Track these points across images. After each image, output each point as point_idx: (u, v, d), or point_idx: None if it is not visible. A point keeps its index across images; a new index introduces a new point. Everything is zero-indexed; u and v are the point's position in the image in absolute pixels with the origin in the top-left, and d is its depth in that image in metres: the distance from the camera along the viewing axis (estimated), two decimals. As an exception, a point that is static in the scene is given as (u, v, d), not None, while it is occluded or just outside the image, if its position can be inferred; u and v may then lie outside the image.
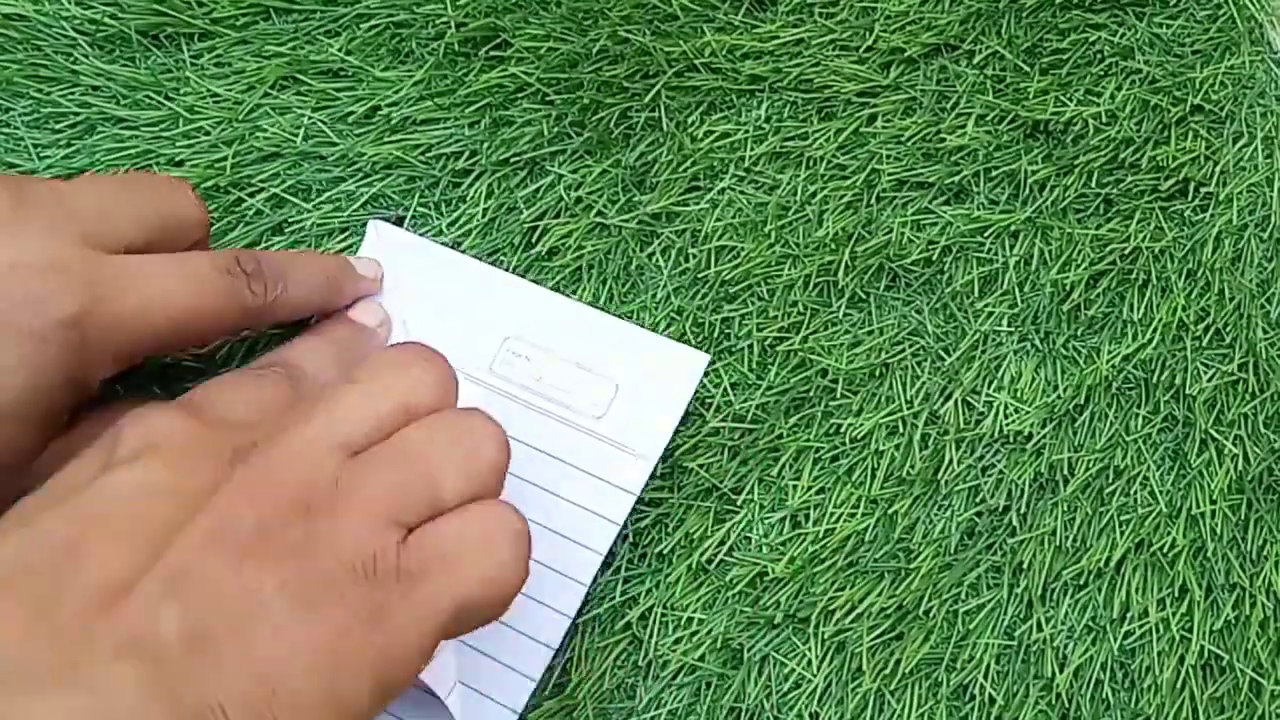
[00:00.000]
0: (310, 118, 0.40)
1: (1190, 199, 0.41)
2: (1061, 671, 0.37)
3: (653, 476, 0.37)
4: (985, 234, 0.40)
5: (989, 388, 0.39)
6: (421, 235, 0.39)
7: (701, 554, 0.37)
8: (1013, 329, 0.40)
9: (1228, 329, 0.40)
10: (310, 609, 0.26)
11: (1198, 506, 0.38)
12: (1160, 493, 0.39)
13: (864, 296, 0.40)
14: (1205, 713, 0.37)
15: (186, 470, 0.27)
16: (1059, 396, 0.39)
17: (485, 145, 0.40)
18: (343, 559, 0.26)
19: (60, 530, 0.26)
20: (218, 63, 0.41)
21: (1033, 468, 0.38)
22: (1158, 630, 0.38)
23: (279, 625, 0.25)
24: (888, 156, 0.41)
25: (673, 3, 0.41)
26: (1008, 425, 0.39)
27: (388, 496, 0.27)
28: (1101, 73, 0.42)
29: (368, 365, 0.30)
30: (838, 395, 0.39)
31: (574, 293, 0.39)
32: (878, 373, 0.39)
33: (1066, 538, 0.38)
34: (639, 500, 0.37)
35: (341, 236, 0.40)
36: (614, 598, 0.37)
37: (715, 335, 0.39)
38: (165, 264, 0.32)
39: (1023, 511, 0.38)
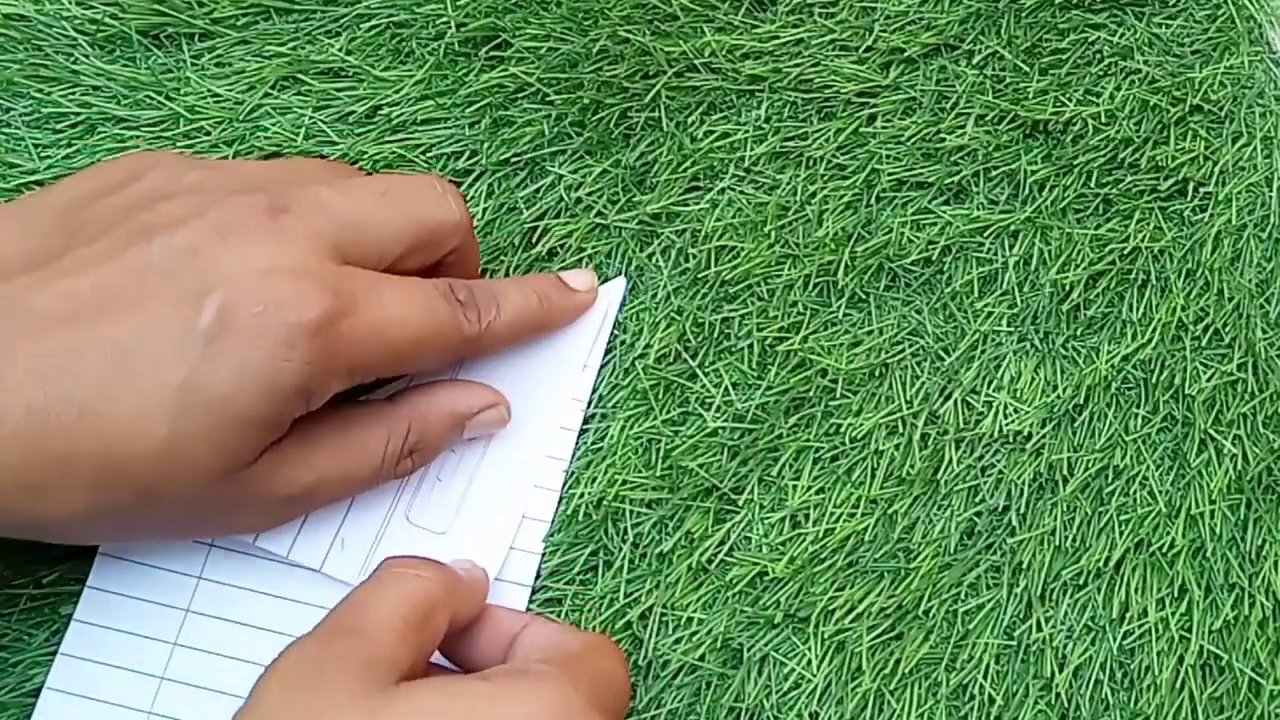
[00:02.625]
0: (311, 117, 0.40)
1: (1189, 199, 0.41)
2: (1061, 671, 0.37)
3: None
4: (985, 234, 0.40)
5: (988, 388, 0.39)
6: None
7: (701, 554, 0.37)
8: (1012, 329, 0.40)
9: (1227, 329, 0.40)
10: None
11: (1197, 506, 0.38)
12: (1159, 492, 0.39)
13: (864, 296, 0.40)
14: (1205, 712, 0.37)
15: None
16: (1058, 396, 0.39)
17: (485, 145, 0.40)
18: None
19: None
20: (218, 63, 0.41)
21: (1032, 468, 0.39)
22: (1157, 630, 0.38)
23: None
24: (887, 156, 0.41)
25: (673, 3, 0.41)
26: (1007, 425, 0.39)
27: None
28: (1101, 73, 0.42)
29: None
30: (837, 395, 0.39)
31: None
32: (877, 373, 0.39)
33: (1066, 537, 0.38)
34: (642, 504, 0.37)
35: (342, 236, 0.40)
36: (614, 598, 0.37)
37: (715, 335, 0.39)
38: (399, 287, 0.32)
39: (1022, 511, 0.38)
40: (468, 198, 0.40)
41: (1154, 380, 0.40)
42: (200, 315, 0.29)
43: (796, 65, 0.41)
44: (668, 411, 0.38)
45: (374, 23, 0.41)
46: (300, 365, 0.30)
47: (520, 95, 0.41)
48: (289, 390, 0.30)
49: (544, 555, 0.38)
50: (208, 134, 0.40)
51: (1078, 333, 0.40)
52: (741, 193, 0.40)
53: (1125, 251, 0.40)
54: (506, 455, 0.37)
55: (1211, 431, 0.39)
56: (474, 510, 0.37)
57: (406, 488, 0.37)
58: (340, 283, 0.31)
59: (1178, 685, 0.37)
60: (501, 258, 0.40)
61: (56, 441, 0.29)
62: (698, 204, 0.40)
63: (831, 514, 0.38)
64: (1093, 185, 0.41)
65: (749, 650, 0.37)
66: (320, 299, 0.30)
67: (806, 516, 0.38)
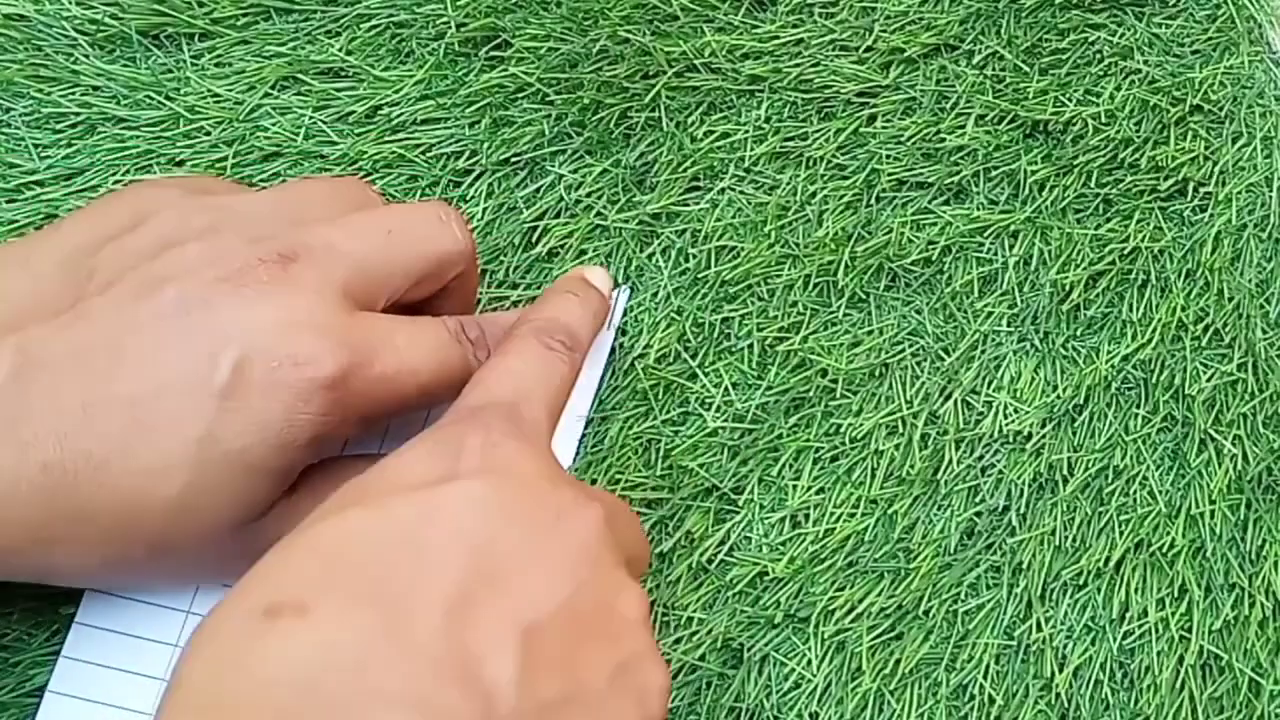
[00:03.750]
0: (311, 117, 0.40)
1: (1189, 199, 0.41)
2: (1061, 671, 0.37)
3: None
4: (985, 234, 0.40)
5: (988, 388, 0.39)
6: None
7: (701, 554, 0.37)
8: (1012, 329, 0.40)
9: (1227, 329, 0.40)
10: None
11: (1197, 506, 0.38)
12: (1159, 492, 0.39)
13: (864, 296, 0.40)
14: (1205, 712, 0.37)
15: (524, 506, 0.28)
16: (1058, 396, 0.39)
17: (485, 145, 0.40)
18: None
19: (404, 522, 0.26)
20: (218, 63, 0.41)
21: (1032, 468, 0.39)
22: (1157, 630, 0.38)
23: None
24: (887, 156, 0.41)
25: (673, 3, 0.41)
26: (1007, 425, 0.39)
27: None
28: (1101, 73, 0.42)
29: None
30: (838, 395, 0.39)
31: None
32: (877, 373, 0.39)
33: (1066, 537, 0.38)
34: (642, 504, 0.37)
35: (342, 236, 0.40)
36: (614, 597, 0.37)
37: (715, 335, 0.39)
38: (411, 332, 0.32)
39: (1022, 511, 0.38)
40: (468, 198, 0.40)
41: (1154, 380, 0.40)
42: (216, 370, 0.29)
43: (796, 65, 0.41)
44: (668, 411, 0.38)
45: (374, 23, 0.41)
46: (315, 418, 0.30)
47: (520, 95, 0.41)
48: (303, 442, 0.30)
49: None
50: (208, 134, 0.40)
51: (1078, 333, 0.40)
52: (741, 193, 0.40)
53: (1125, 251, 0.40)
54: None
55: (1211, 431, 0.39)
56: None
57: None
58: (354, 334, 0.31)
59: (1178, 685, 0.37)
60: (501, 258, 0.40)
61: (72, 497, 0.29)
62: (698, 204, 0.40)
63: (831, 514, 0.38)
64: (1093, 185, 0.41)
65: (749, 650, 0.37)
66: (336, 353, 0.30)
67: (806, 516, 0.38)
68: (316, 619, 0.24)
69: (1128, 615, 0.38)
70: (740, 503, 0.38)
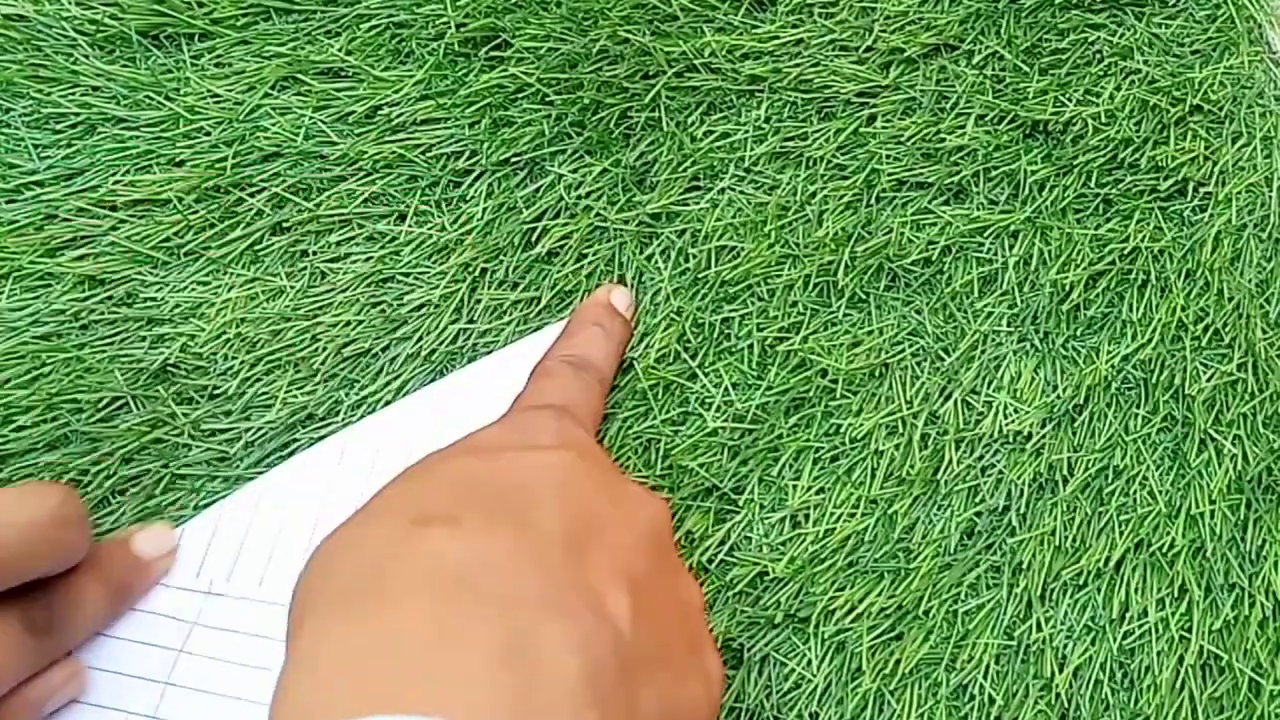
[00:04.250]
0: (311, 117, 0.40)
1: (1189, 199, 0.41)
2: (1061, 671, 0.37)
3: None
4: (985, 234, 0.40)
5: (988, 388, 0.39)
6: (421, 232, 0.40)
7: (702, 554, 0.37)
8: (1012, 329, 0.40)
9: (1227, 329, 0.40)
10: None
11: (1197, 506, 0.38)
12: (1159, 492, 0.39)
13: (864, 296, 0.40)
14: (1204, 712, 0.37)
15: (606, 480, 0.32)
16: (1058, 396, 0.39)
17: (485, 145, 0.40)
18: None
19: (514, 472, 0.30)
20: (218, 63, 0.41)
21: (1032, 468, 0.38)
22: (1157, 630, 0.38)
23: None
24: (887, 156, 0.41)
25: (673, 3, 0.41)
26: (1007, 425, 0.39)
27: None
28: (1101, 73, 0.42)
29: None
30: (837, 395, 0.39)
31: (574, 293, 0.39)
32: (877, 373, 0.39)
33: (1066, 537, 0.38)
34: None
35: (342, 232, 0.40)
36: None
37: (715, 335, 0.39)
38: None
39: (1022, 511, 0.38)
40: (467, 198, 0.40)
41: (1154, 380, 0.40)
42: None
43: (796, 65, 0.41)
44: (668, 411, 0.38)
45: (374, 23, 0.41)
46: None
47: (520, 95, 0.41)
48: None
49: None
50: (208, 134, 0.40)
51: (1078, 333, 0.40)
52: (741, 193, 0.40)
53: (1125, 251, 0.40)
54: None
55: (1211, 431, 0.39)
56: None
57: None
58: None
59: (1178, 685, 0.37)
60: (501, 258, 0.40)
61: None
62: (698, 204, 0.40)
63: (831, 514, 0.38)
64: (1093, 185, 0.41)
65: (749, 650, 0.37)
66: None
67: (806, 516, 0.38)
68: (467, 529, 0.28)
69: (1128, 615, 0.38)
70: (740, 503, 0.38)
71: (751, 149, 0.40)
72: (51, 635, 0.34)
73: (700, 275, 0.39)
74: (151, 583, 0.37)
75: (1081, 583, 0.38)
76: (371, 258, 0.40)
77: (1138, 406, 0.39)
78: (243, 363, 0.39)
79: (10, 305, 0.39)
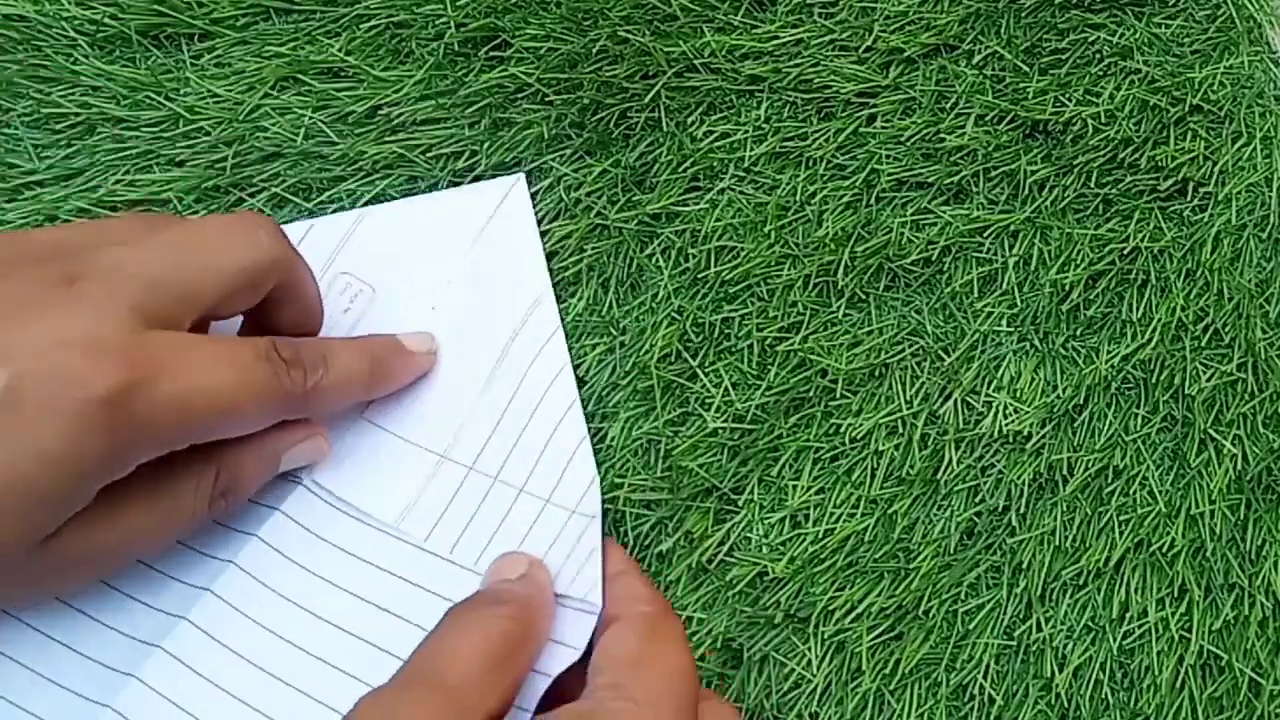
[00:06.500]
0: (311, 118, 0.40)
1: (1189, 199, 0.41)
2: (1061, 671, 0.37)
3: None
4: (985, 234, 0.40)
5: (988, 388, 0.39)
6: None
7: (701, 554, 0.37)
8: (1012, 329, 0.40)
9: (1227, 329, 0.40)
10: None
11: (1197, 506, 0.38)
12: (1159, 492, 0.39)
13: (863, 296, 0.40)
14: (1204, 712, 0.37)
15: None
16: (1058, 396, 0.39)
17: (485, 145, 0.40)
18: None
19: None
20: (218, 63, 0.41)
21: (1032, 468, 0.38)
22: (1157, 630, 0.38)
23: None
24: (887, 156, 0.41)
25: (673, 3, 0.41)
26: (1007, 425, 0.39)
27: None
28: (1101, 73, 0.42)
29: None
30: (837, 395, 0.39)
31: (574, 294, 0.39)
32: (877, 373, 0.39)
33: (1066, 537, 0.38)
34: (642, 504, 0.37)
35: (342, 237, 0.40)
36: (614, 597, 0.37)
37: (715, 335, 0.39)
38: (210, 351, 0.31)
39: (1022, 511, 0.38)
40: (468, 198, 0.40)
41: (1154, 380, 0.40)
42: None
43: (796, 65, 0.41)
44: (668, 412, 0.38)
45: (374, 23, 0.41)
46: (97, 442, 0.28)
47: (520, 95, 0.41)
48: (88, 468, 0.28)
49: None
50: (207, 134, 0.40)
51: (1078, 333, 0.40)
52: (741, 193, 0.40)
53: (1125, 251, 0.40)
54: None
55: (1211, 431, 0.39)
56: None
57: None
58: (138, 351, 0.29)
59: (1178, 685, 0.37)
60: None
61: None
62: (698, 204, 0.40)
63: (831, 514, 0.38)
64: (1093, 185, 0.41)
65: (749, 650, 0.37)
66: (112, 371, 0.28)
67: (806, 516, 0.38)
68: None
69: (1128, 615, 0.38)
70: (740, 503, 0.38)
71: (751, 149, 0.40)
72: (298, 369, 0.33)
73: (700, 275, 0.39)
74: (414, 372, 0.37)
75: (1081, 583, 0.38)
76: (371, 258, 0.40)
77: (1138, 406, 0.39)
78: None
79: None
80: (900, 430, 0.39)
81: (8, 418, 0.27)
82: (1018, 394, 0.39)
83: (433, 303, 0.38)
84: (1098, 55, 0.42)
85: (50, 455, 0.28)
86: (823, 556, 0.37)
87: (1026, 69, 0.41)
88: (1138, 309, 0.40)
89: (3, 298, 0.29)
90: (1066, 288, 0.40)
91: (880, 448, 0.38)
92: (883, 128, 0.41)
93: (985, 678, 0.37)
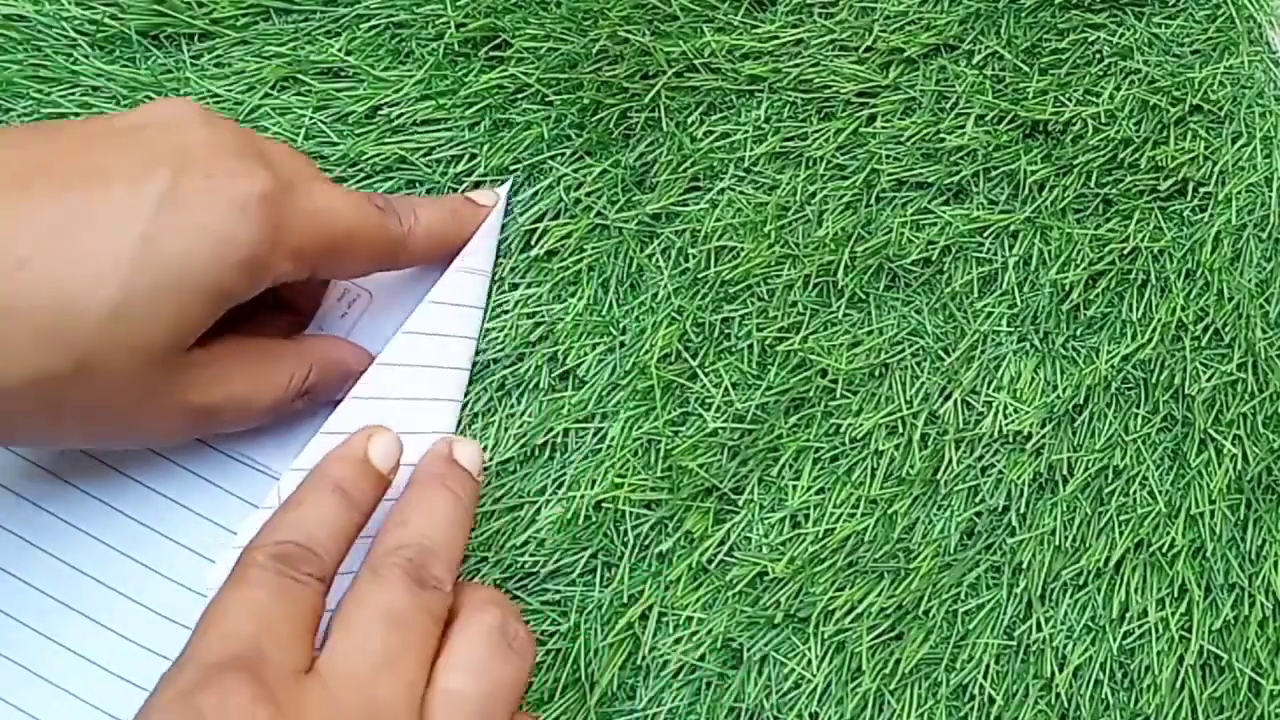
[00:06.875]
0: (311, 118, 0.40)
1: (1189, 199, 0.41)
2: (1061, 671, 0.37)
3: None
4: (985, 234, 0.40)
5: (988, 388, 0.39)
6: None
7: (701, 554, 0.37)
8: (1012, 329, 0.40)
9: (1227, 329, 0.40)
10: None
11: (1197, 506, 0.38)
12: (1159, 492, 0.39)
13: (864, 296, 0.40)
14: (1204, 712, 0.37)
15: None
16: (1058, 396, 0.39)
17: (485, 146, 0.40)
18: None
19: None
20: (218, 63, 0.41)
21: (1032, 468, 0.39)
22: (1157, 630, 0.38)
23: None
24: (887, 156, 0.41)
25: (673, 3, 0.41)
26: (1007, 425, 0.39)
27: None
28: (1100, 73, 0.42)
29: None
30: (837, 395, 0.39)
31: (574, 294, 0.39)
32: (877, 373, 0.39)
33: (1066, 537, 0.38)
34: (642, 504, 0.37)
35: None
36: (615, 598, 0.37)
37: (715, 335, 0.39)
38: (329, 184, 0.34)
39: (1022, 511, 0.38)
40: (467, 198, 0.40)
41: (1154, 380, 0.40)
42: (154, 179, 0.30)
43: (796, 65, 0.41)
44: (668, 412, 0.38)
45: (374, 23, 0.41)
46: (251, 231, 0.31)
47: (520, 96, 0.41)
48: (239, 259, 0.31)
49: (542, 556, 0.37)
50: (208, 134, 0.40)
51: (1078, 333, 0.40)
52: (741, 193, 0.40)
53: (1125, 251, 0.40)
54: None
55: (1211, 431, 0.39)
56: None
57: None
58: (279, 166, 0.32)
59: (1178, 685, 0.37)
60: (501, 258, 0.40)
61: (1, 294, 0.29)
62: (698, 204, 0.40)
63: (831, 514, 0.38)
64: (1093, 185, 0.41)
65: (749, 650, 0.37)
66: (263, 176, 0.31)
67: (806, 516, 0.38)
68: None
69: (1128, 615, 0.38)
70: (740, 503, 0.38)
71: (751, 149, 0.40)
72: (393, 216, 0.35)
73: (700, 275, 0.39)
74: (482, 217, 0.38)
75: (1081, 583, 0.38)
76: (371, 258, 0.40)
77: (1138, 406, 0.39)
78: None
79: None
80: (900, 430, 0.39)
81: (173, 201, 0.30)
82: (1018, 394, 0.39)
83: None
84: (1098, 55, 0.42)
85: (209, 239, 0.30)
86: (823, 556, 0.37)
87: (1026, 69, 0.41)
88: (1138, 309, 0.40)
89: (159, 115, 0.32)
90: (1066, 288, 0.40)
91: (880, 448, 0.38)
92: (883, 128, 0.41)
93: (985, 678, 0.37)
